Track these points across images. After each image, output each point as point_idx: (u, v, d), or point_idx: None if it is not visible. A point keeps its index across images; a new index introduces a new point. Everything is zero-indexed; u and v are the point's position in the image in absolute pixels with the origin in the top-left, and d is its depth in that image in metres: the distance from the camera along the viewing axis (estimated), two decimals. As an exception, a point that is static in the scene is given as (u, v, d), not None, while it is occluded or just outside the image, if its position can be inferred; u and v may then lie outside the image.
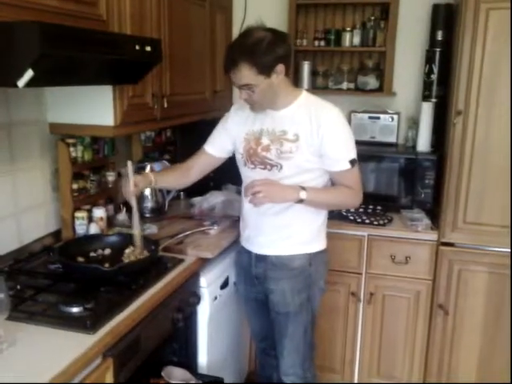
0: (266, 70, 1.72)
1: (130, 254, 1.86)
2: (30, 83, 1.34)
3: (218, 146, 2.03)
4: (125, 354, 1.51)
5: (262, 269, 1.99)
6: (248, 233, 2.02)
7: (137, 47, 1.69)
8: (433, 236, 2.47)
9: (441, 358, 2.58)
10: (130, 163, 1.87)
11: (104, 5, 1.76)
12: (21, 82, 1.33)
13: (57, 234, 2.13)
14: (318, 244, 1.99)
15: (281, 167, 1.85)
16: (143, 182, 1.93)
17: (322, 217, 1.98)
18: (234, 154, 2.02)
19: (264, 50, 1.69)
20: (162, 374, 1.86)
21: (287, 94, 1.85)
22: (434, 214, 2.58)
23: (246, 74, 1.71)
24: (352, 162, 1.84)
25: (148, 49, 1.74)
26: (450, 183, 2.42)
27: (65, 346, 1.34)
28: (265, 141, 1.87)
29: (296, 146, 1.82)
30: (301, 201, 1.81)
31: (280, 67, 1.75)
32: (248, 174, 1.94)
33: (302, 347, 2.03)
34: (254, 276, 2.04)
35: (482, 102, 2.30)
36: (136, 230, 1.91)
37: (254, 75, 1.71)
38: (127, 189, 1.87)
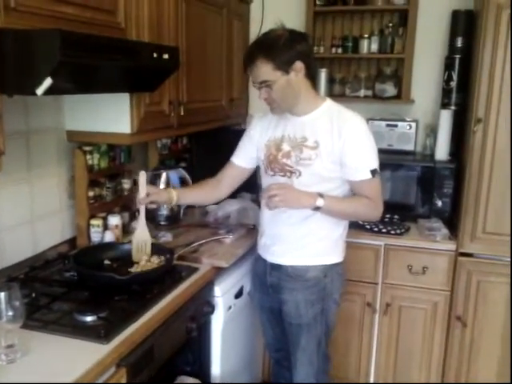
0: (283, 66, 1.71)
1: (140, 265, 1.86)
2: (49, 91, 1.34)
3: (245, 156, 2.02)
4: (139, 364, 1.50)
5: (277, 278, 1.97)
6: (264, 241, 2.00)
7: (154, 55, 1.68)
8: (451, 246, 2.43)
9: (458, 372, 2.53)
10: (142, 173, 1.86)
11: (122, 13, 1.76)
12: (39, 90, 1.33)
13: (72, 242, 2.14)
14: (335, 256, 1.95)
15: (299, 174, 1.83)
16: (159, 196, 1.90)
17: (340, 229, 1.94)
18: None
19: (281, 46, 1.70)
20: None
21: (309, 99, 1.83)
22: (453, 223, 2.54)
23: (263, 69, 1.71)
24: (373, 172, 1.79)
25: (165, 56, 1.74)
26: (469, 192, 2.38)
27: (78, 356, 1.33)
28: (286, 147, 1.86)
29: (315, 154, 1.80)
30: (317, 208, 1.77)
31: (299, 64, 1.73)
32: (268, 181, 1.92)
33: (315, 360, 2.00)
34: (269, 285, 2.02)
35: (503, 110, 2.26)
36: (145, 237, 1.90)
37: (271, 70, 1.71)
38: (138, 196, 1.88)
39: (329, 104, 1.86)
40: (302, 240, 1.90)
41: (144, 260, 1.87)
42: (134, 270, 1.82)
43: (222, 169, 2.06)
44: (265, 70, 1.71)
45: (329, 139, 1.78)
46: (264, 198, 1.77)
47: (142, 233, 1.90)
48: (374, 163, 1.81)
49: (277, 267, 1.96)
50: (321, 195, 1.77)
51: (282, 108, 1.83)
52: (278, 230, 1.93)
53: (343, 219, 1.96)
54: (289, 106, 1.83)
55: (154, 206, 1.94)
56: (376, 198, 1.83)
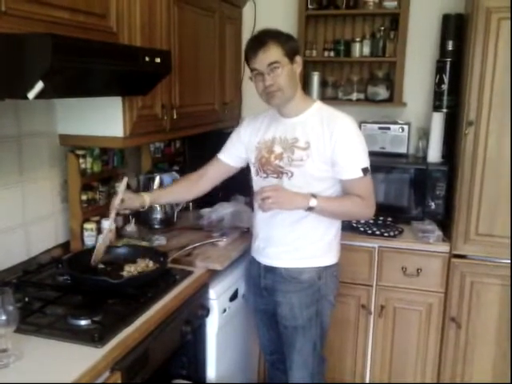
0: (290, 54, 1.78)
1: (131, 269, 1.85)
2: (41, 95, 1.34)
3: (232, 154, 2.04)
4: (133, 368, 1.49)
5: (271, 280, 1.97)
6: (258, 243, 2.01)
7: (146, 59, 1.69)
8: (444, 248, 2.44)
9: (453, 373, 2.53)
10: (125, 178, 1.87)
11: (114, 17, 1.76)
12: (31, 94, 1.33)
13: (65, 246, 2.13)
14: (329, 258, 1.96)
15: (292, 175, 1.84)
16: (132, 202, 1.91)
17: (333, 230, 1.95)
18: (247, 165, 2.02)
19: (286, 37, 1.81)
20: (171, 387, 1.85)
21: (300, 99, 1.87)
22: (446, 225, 2.55)
23: (274, 52, 1.76)
24: (364, 171, 1.81)
25: (157, 60, 1.74)
26: (461, 194, 2.39)
27: (72, 360, 1.32)
28: (277, 149, 1.87)
29: (307, 154, 1.81)
30: (310, 209, 1.78)
31: (299, 58, 1.82)
32: (260, 183, 1.92)
33: (311, 362, 2.00)
34: (263, 287, 2.02)
35: (494, 112, 2.28)
36: (102, 243, 1.88)
37: (281, 54, 1.76)
38: (112, 201, 1.88)
39: (319, 105, 1.89)
40: (296, 242, 1.91)
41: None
42: (126, 273, 1.81)
43: (206, 164, 2.07)
44: (276, 52, 1.76)
45: (320, 139, 1.80)
46: (257, 201, 1.78)
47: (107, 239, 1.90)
48: (365, 162, 1.83)
49: (271, 270, 1.96)
50: (314, 196, 1.77)
51: (285, 96, 1.81)
52: (272, 233, 1.93)
53: (337, 219, 1.96)
54: (289, 96, 1.82)
55: (126, 212, 1.99)
56: (368, 196, 1.85)
